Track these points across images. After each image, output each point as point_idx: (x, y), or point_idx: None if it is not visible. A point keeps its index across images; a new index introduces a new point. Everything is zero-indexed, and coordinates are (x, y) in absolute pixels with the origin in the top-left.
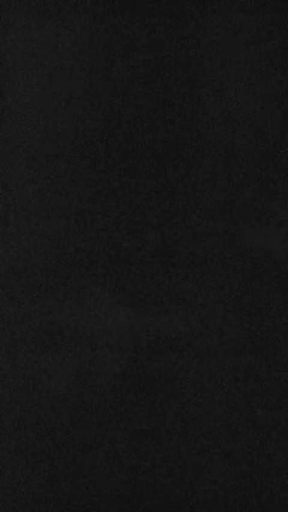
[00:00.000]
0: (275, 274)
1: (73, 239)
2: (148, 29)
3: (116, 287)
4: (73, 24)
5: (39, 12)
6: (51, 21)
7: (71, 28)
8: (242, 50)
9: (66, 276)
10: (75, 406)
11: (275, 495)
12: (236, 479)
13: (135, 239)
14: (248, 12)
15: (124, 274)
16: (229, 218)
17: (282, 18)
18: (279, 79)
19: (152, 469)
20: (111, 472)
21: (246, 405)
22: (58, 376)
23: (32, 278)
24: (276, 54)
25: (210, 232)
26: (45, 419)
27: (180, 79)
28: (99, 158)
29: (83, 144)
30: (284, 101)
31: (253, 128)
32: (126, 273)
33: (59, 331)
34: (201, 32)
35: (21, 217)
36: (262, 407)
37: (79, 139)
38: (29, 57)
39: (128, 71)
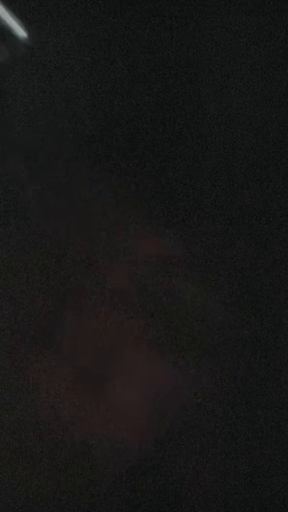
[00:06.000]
0: (275, 274)
1: (73, 239)
2: (148, 29)
3: (117, 286)
4: (73, 24)
5: (39, 12)
6: (51, 21)
7: (71, 28)
8: (242, 50)
9: (66, 276)
10: (75, 406)
11: (275, 495)
12: (236, 479)
13: (135, 238)
14: (248, 12)
15: (124, 274)
16: (229, 218)
17: (282, 18)
18: (279, 79)
19: (152, 469)
20: (111, 472)
21: (246, 405)
22: (58, 376)
23: (32, 279)
24: (276, 54)
25: (210, 232)
26: (45, 419)
27: (180, 79)
28: (99, 158)
29: (83, 144)
30: (284, 101)
31: (253, 127)
32: (127, 272)
33: (59, 331)
34: (201, 32)
35: (21, 217)
36: (262, 407)
37: (79, 139)
38: (29, 57)
39: (128, 71)
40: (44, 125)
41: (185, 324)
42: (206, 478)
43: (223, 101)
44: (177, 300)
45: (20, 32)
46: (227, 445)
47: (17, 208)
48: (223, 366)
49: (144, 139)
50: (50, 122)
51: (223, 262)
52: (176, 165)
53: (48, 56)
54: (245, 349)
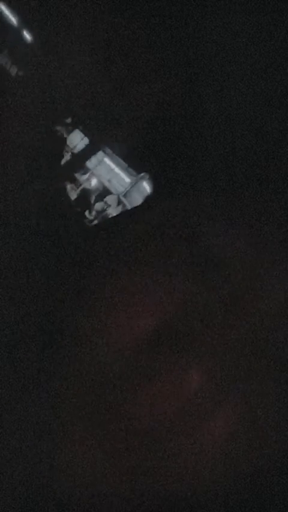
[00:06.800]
0: (275, 274)
1: (73, 239)
2: (148, 29)
3: (116, 287)
4: (73, 24)
5: (39, 12)
6: (51, 21)
7: (71, 28)
8: (242, 50)
9: (66, 276)
10: (75, 406)
11: (275, 495)
12: (236, 479)
13: (135, 238)
14: (248, 12)
15: (124, 274)
16: (229, 218)
17: (282, 18)
18: (279, 79)
19: (152, 469)
20: (111, 472)
21: (246, 405)
22: (58, 376)
23: (32, 279)
24: (276, 54)
25: (211, 232)
26: (45, 420)
27: (180, 79)
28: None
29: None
30: (284, 101)
31: (253, 127)
32: (127, 272)
33: (59, 331)
34: (201, 32)
35: (21, 217)
36: (262, 407)
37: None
38: (29, 57)
39: (128, 71)
40: (44, 125)
41: (185, 324)
42: (206, 478)
43: (223, 101)
44: (177, 300)
45: (21, 32)
46: (227, 445)
47: (17, 208)
48: (223, 365)
49: (144, 139)
50: (50, 122)
51: (223, 262)
52: (176, 165)
53: (48, 56)
54: (245, 349)
